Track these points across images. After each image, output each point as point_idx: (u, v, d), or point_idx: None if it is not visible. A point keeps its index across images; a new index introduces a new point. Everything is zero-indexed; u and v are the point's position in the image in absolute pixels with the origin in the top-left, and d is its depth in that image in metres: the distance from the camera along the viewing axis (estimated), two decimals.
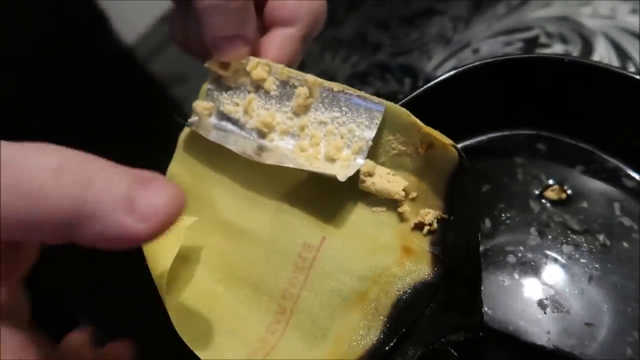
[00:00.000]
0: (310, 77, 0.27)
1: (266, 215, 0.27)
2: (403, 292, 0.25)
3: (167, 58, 0.69)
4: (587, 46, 0.41)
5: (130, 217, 0.18)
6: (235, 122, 0.29)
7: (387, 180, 0.27)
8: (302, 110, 0.28)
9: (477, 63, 0.30)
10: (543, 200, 0.30)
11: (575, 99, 0.30)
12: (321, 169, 0.26)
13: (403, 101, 0.31)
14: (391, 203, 0.27)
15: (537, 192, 0.31)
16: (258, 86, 0.28)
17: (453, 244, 0.25)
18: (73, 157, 0.18)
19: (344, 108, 0.27)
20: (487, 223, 0.31)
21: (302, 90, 0.27)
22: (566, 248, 0.29)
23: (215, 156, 0.28)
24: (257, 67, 0.28)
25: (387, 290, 0.25)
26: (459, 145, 0.33)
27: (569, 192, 0.30)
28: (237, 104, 0.29)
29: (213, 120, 0.29)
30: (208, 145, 0.28)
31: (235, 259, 0.27)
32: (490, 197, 0.31)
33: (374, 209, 0.27)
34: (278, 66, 0.28)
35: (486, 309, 0.28)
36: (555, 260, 0.28)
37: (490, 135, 0.32)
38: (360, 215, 0.27)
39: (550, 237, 0.29)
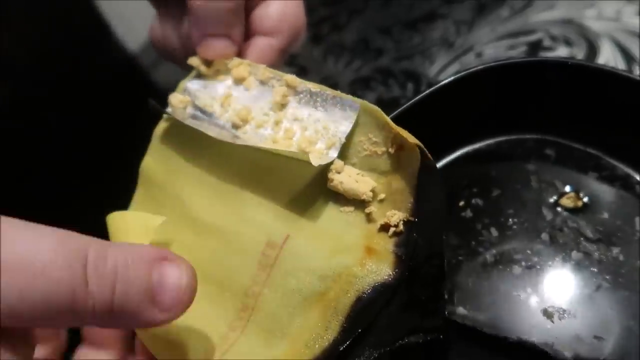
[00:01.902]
0: (289, 77, 0.28)
1: (233, 212, 0.27)
2: (362, 292, 0.25)
3: (170, 67, 0.69)
4: (592, 49, 0.41)
5: (155, 309, 0.20)
6: (209, 114, 0.29)
7: (356, 180, 0.26)
8: (279, 107, 0.28)
9: (480, 67, 0.30)
10: (558, 208, 0.30)
11: (580, 102, 0.30)
12: (294, 153, 0.26)
13: (406, 106, 0.30)
14: (359, 204, 0.27)
15: (552, 199, 0.30)
16: (237, 83, 0.29)
17: (415, 245, 0.25)
18: (90, 250, 0.19)
19: (319, 107, 0.27)
20: (496, 229, 0.30)
21: (280, 89, 0.28)
22: (576, 255, 0.28)
23: (188, 150, 0.29)
24: (239, 67, 0.29)
25: (347, 290, 0.25)
26: (466, 149, 0.33)
27: (585, 200, 0.29)
28: (214, 98, 0.29)
29: (189, 111, 0.29)
30: (181, 140, 0.29)
31: (202, 256, 0.26)
32: (500, 203, 0.31)
33: (342, 208, 0.27)
34: (260, 66, 0.28)
35: (489, 316, 0.27)
36: (563, 266, 0.28)
37: (498, 140, 0.32)
38: (327, 214, 0.27)
39: (561, 241, 0.29)
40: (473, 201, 0.31)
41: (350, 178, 0.26)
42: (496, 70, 0.29)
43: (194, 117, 0.29)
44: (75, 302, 0.18)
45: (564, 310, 0.27)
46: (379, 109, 0.26)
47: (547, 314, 0.27)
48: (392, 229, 0.26)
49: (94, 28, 0.60)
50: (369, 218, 0.27)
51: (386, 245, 0.26)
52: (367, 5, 0.56)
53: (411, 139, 0.25)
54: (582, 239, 0.28)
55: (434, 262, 0.25)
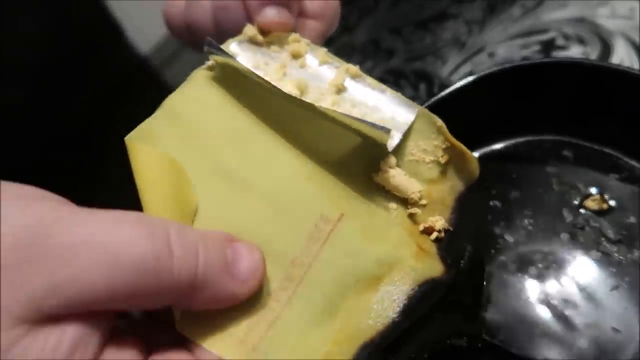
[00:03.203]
0: (351, 66, 0.27)
1: (281, 177, 0.25)
2: (419, 284, 0.25)
3: (182, 66, 0.69)
4: (606, 48, 0.41)
5: (233, 281, 0.21)
6: (264, 76, 0.26)
7: (406, 179, 0.26)
8: (337, 91, 0.27)
9: (495, 69, 0.30)
10: (582, 210, 0.29)
11: (596, 103, 0.30)
12: (359, 122, 0.25)
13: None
14: (402, 203, 0.27)
15: (575, 201, 0.30)
16: (293, 59, 0.28)
17: (461, 254, 0.25)
18: (170, 228, 0.19)
19: (378, 100, 0.27)
20: (514, 230, 0.30)
21: (341, 70, 0.27)
22: (595, 254, 0.28)
23: (232, 103, 0.26)
24: (298, 42, 0.28)
25: (404, 278, 0.25)
26: (483, 151, 0.33)
27: (611, 202, 0.29)
28: (267, 64, 0.27)
29: (241, 61, 0.27)
30: (225, 90, 0.26)
31: (239, 214, 0.24)
32: (519, 205, 0.30)
33: (385, 204, 0.27)
34: (320, 49, 0.28)
35: (503, 317, 0.27)
36: (582, 265, 0.28)
37: (514, 141, 0.32)
38: (375, 205, 0.27)
39: (581, 240, 0.29)
40: (491, 203, 0.31)
41: (401, 175, 0.26)
42: (511, 71, 0.30)
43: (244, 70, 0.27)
44: (161, 268, 0.18)
45: (581, 309, 0.27)
46: (439, 119, 0.26)
47: (563, 315, 0.27)
48: (435, 234, 0.26)
49: (105, 29, 0.60)
50: (412, 219, 0.27)
51: (431, 247, 0.26)
52: (377, 5, 0.56)
53: (467, 151, 0.25)
54: (603, 239, 0.28)
55: (475, 271, 0.25)
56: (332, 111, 0.24)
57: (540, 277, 0.28)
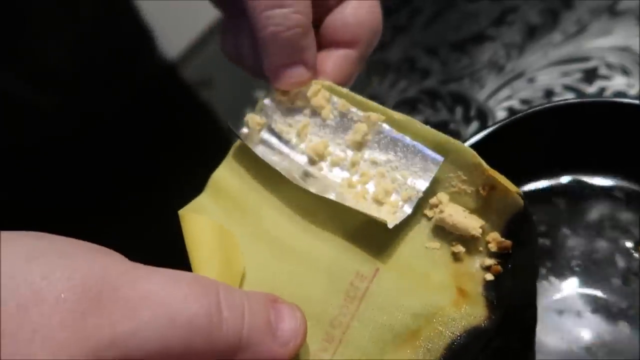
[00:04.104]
0: (372, 115, 0.27)
1: (316, 238, 0.26)
2: (458, 334, 0.24)
3: (197, 61, 0.69)
4: None
5: (275, 343, 0.21)
6: (286, 142, 0.28)
7: (464, 216, 0.26)
8: (357, 146, 0.27)
9: (547, 105, 0.29)
10: (636, 255, 0.28)
11: None
12: (366, 210, 0.26)
13: (473, 140, 0.30)
14: (445, 241, 0.26)
15: (629, 244, 0.29)
16: (315, 112, 0.28)
17: (510, 293, 0.25)
18: (219, 288, 0.20)
19: (399, 153, 0.27)
20: (561, 272, 0.29)
21: (361, 127, 0.27)
22: None
23: (266, 172, 0.28)
24: (317, 94, 0.28)
25: (441, 331, 0.25)
26: (530, 187, 0.32)
27: None
28: (291, 125, 0.28)
29: (264, 135, 0.28)
30: (259, 161, 0.28)
31: (280, 277, 0.26)
32: (568, 244, 0.30)
33: (427, 244, 0.26)
34: (339, 99, 0.27)
35: None
36: (630, 314, 0.27)
37: (563, 180, 0.31)
38: (413, 250, 0.26)
39: (633, 286, 0.28)
40: (540, 240, 0.30)
41: (458, 213, 0.26)
42: (564, 109, 0.29)
43: (267, 144, 0.28)
44: (211, 328, 0.19)
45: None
46: (472, 151, 0.26)
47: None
48: (489, 275, 0.26)
49: (137, 35, 0.60)
50: (456, 257, 0.26)
51: (476, 287, 0.26)
52: (411, 23, 0.56)
53: (511, 185, 0.25)
54: None
55: (527, 311, 0.24)
56: (346, 206, 0.25)
57: (589, 322, 0.27)
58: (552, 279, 0.29)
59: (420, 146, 0.26)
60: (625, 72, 0.41)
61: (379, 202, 0.26)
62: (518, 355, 0.24)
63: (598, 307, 0.28)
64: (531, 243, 0.25)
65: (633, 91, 0.40)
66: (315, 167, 0.27)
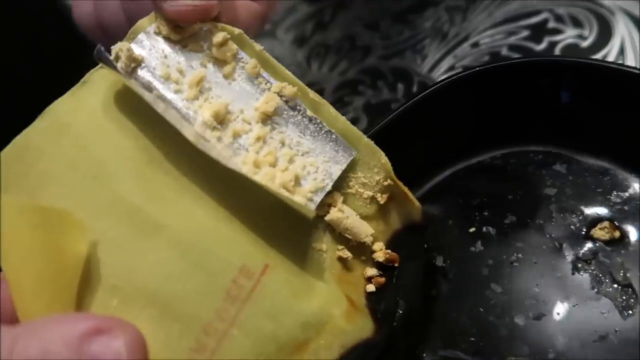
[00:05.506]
0: (288, 88, 0.23)
1: (194, 220, 0.21)
2: (348, 349, 0.21)
3: None
4: (605, 28, 0.35)
5: None
6: (173, 91, 0.22)
7: (358, 220, 0.23)
8: (264, 119, 0.23)
9: (478, 68, 0.26)
10: (589, 242, 0.24)
11: (591, 109, 0.25)
12: (283, 193, 0.21)
13: (396, 112, 0.27)
14: (332, 243, 0.23)
15: (583, 230, 0.24)
16: (216, 66, 0.23)
17: (390, 309, 0.23)
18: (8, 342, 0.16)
19: (310, 136, 0.23)
20: (505, 264, 0.25)
21: (272, 97, 0.23)
22: (596, 297, 0.23)
23: (134, 125, 0.21)
24: (223, 45, 0.22)
25: (330, 344, 0.21)
26: (466, 163, 0.28)
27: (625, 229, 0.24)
28: (181, 73, 0.22)
29: (141, 73, 0.22)
30: (127, 106, 0.21)
31: (142, 262, 0.20)
32: (514, 232, 0.26)
33: (314, 245, 0.23)
34: (254, 47, 0.23)
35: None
36: (575, 309, 0.23)
37: (502, 152, 0.27)
38: (302, 249, 0.23)
39: (585, 275, 0.24)
40: (484, 229, 0.26)
41: (354, 216, 0.23)
42: (493, 72, 0.25)
43: (144, 84, 0.22)
44: None
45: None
46: (384, 155, 0.23)
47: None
48: (370, 286, 0.23)
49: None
50: (342, 262, 0.23)
51: (359, 298, 0.23)
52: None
53: (412, 198, 0.23)
54: (607, 280, 0.23)
55: (411, 330, 0.22)
56: (249, 178, 0.21)
57: (524, 328, 0.23)
58: (493, 272, 0.25)
59: (333, 134, 0.23)
60: (576, 23, 0.37)
61: (287, 190, 0.22)
62: None
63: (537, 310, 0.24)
64: (418, 259, 0.23)
65: (585, 43, 0.36)
66: (212, 133, 0.22)
